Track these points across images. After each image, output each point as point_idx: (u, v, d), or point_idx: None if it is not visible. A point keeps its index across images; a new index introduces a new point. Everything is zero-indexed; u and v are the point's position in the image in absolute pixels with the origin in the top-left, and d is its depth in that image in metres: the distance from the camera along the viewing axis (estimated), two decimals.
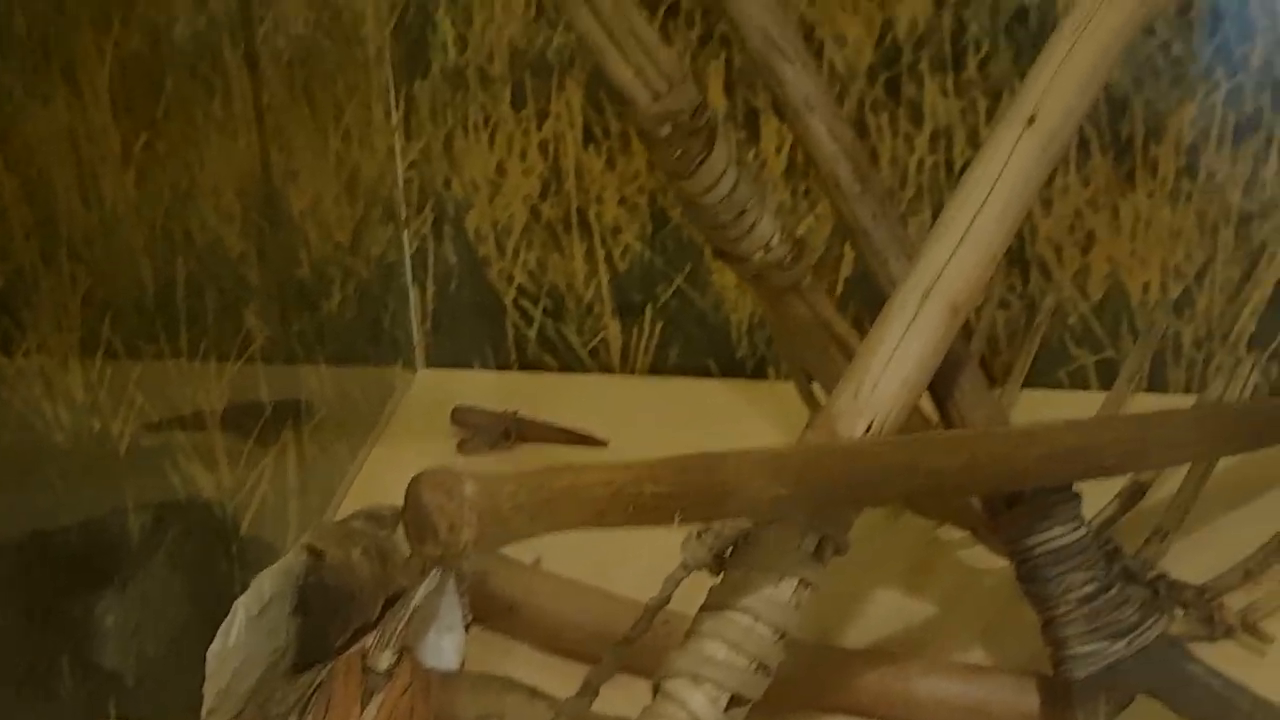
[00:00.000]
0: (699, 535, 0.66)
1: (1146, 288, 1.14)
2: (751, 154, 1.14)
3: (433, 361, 1.27)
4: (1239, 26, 1.05)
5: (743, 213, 0.75)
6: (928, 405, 0.81)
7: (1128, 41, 0.78)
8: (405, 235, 1.22)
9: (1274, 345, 1.14)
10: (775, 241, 0.77)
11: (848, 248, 1.13)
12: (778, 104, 0.84)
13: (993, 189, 0.74)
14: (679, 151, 0.71)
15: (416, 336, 1.26)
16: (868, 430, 0.69)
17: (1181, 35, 1.05)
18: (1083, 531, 0.77)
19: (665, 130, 0.70)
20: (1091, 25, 0.75)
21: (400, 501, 0.53)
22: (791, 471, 0.62)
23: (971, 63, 1.09)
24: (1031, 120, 0.75)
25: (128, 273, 0.80)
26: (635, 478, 0.56)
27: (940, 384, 0.79)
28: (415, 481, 0.52)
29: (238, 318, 0.94)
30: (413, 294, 1.24)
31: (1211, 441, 0.84)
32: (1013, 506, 0.78)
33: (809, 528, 0.67)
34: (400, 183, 1.20)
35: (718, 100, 1.13)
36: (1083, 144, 1.10)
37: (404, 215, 1.21)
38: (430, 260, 1.23)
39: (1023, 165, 0.75)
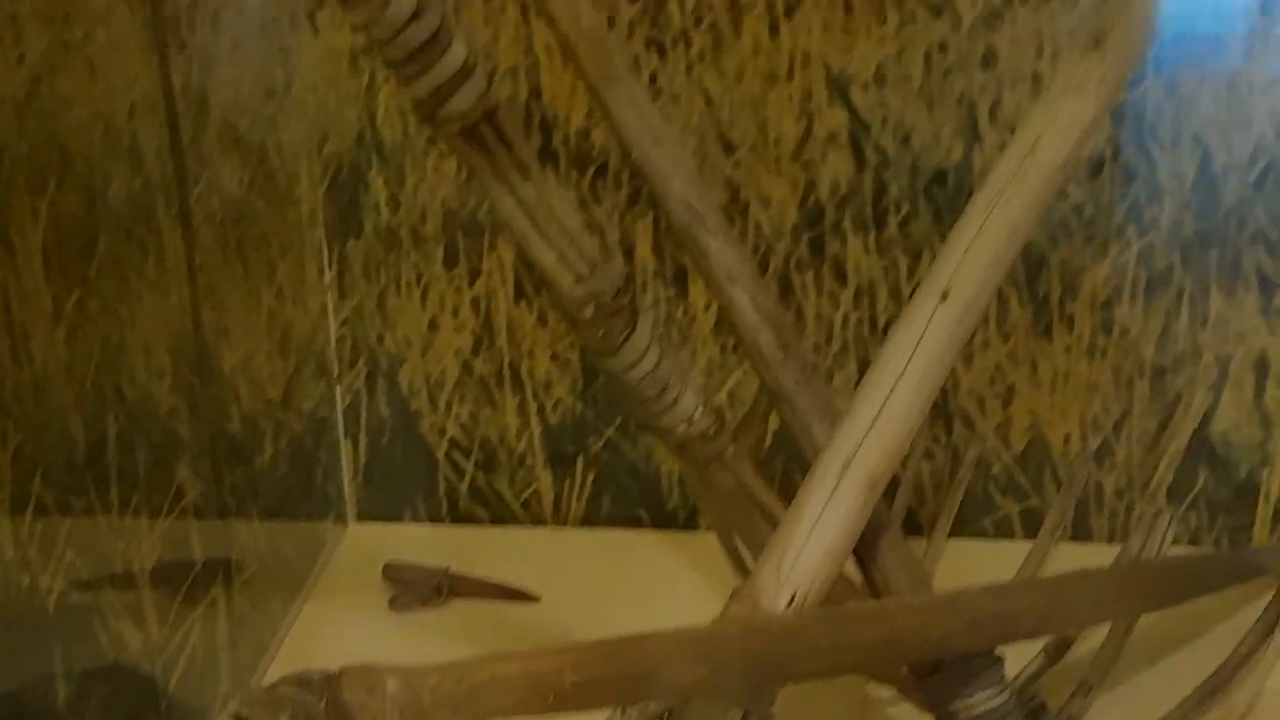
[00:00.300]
0: (623, 712, 0.67)
1: (1067, 439, 1.16)
2: (680, 310, 1.16)
3: (364, 515, 1.27)
4: (1148, 189, 1.08)
5: (666, 388, 0.77)
6: (851, 568, 0.82)
7: (1038, 216, 0.80)
8: (338, 390, 1.23)
9: (1190, 498, 1.16)
10: (698, 415, 0.78)
11: None
12: (701, 273, 0.86)
13: (909, 362, 0.76)
14: (602, 331, 0.72)
15: (348, 490, 1.26)
16: (790, 602, 0.70)
17: (1094, 197, 1.09)
18: (1005, 696, 0.78)
19: (589, 311, 0.71)
20: (1002, 202, 0.78)
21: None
22: (713, 653, 0.62)
23: (892, 222, 1.12)
24: (945, 295, 0.77)
25: (58, 429, 0.81)
26: (556, 667, 0.57)
27: (863, 549, 0.80)
28: (336, 680, 0.52)
29: (169, 473, 0.94)
30: (344, 448, 1.25)
31: (1130, 600, 0.86)
32: (936, 672, 0.79)
33: (733, 703, 0.68)
34: (333, 339, 1.21)
35: (646, 259, 1.15)
36: (1002, 300, 1.13)
37: (337, 370, 1.22)
38: (363, 414, 1.23)
39: (938, 338, 0.77)
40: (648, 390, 0.77)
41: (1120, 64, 0.82)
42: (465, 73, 0.62)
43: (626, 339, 0.74)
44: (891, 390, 0.76)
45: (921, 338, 0.77)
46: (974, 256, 0.78)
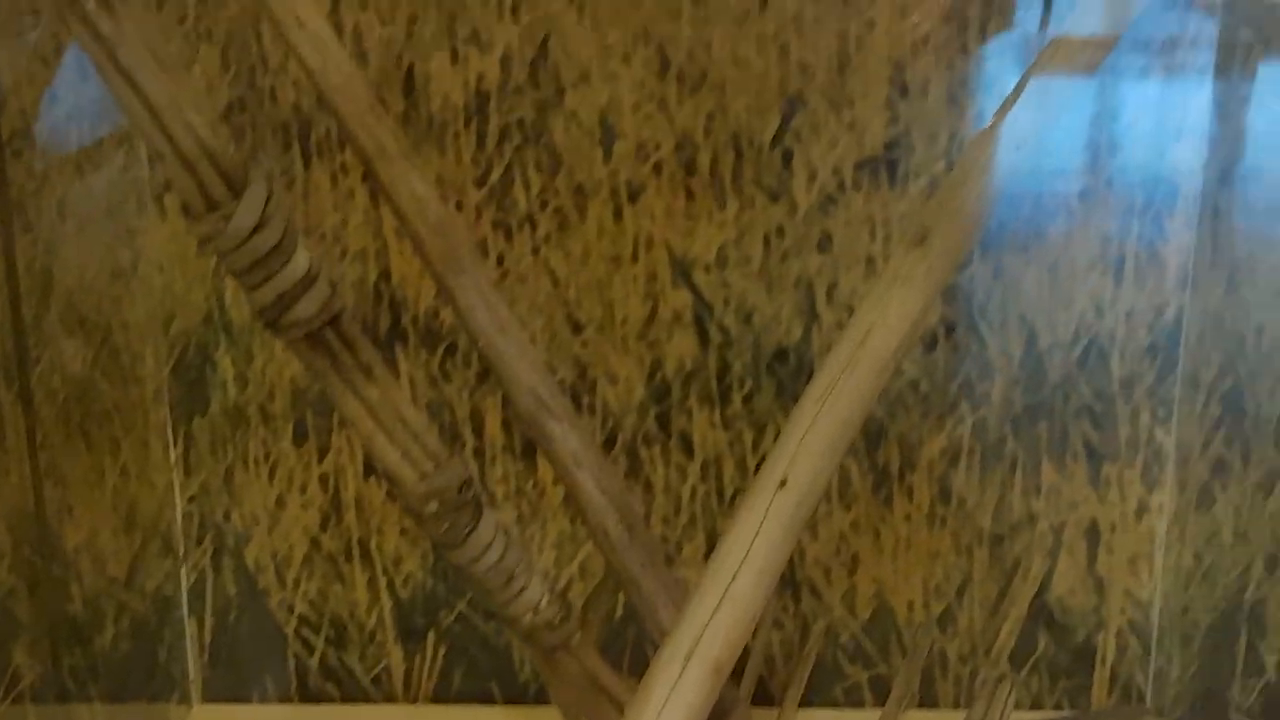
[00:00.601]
0: None
1: (911, 606, 1.19)
2: (530, 484, 1.17)
3: (210, 696, 1.24)
4: (979, 365, 1.13)
5: (511, 578, 0.77)
6: None
7: (871, 403, 0.83)
8: (183, 569, 1.21)
9: (1031, 662, 1.19)
10: (544, 604, 0.79)
11: None
12: (548, 458, 0.87)
13: (749, 550, 0.78)
14: (447, 525, 0.73)
15: (193, 671, 1.23)
16: None
17: (928, 373, 1.13)
18: None
19: (433, 506, 0.72)
20: (834, 393, 0.81)
21: None
22: None
23: (737, 398, 1.14)
24: (783, 483, 0.79)
25: None
26: None
27: None
28: None
29: (5, 655, 0.92)
30: (190, 627, 1.22)
31: None
32: None
33: None
34: (179, 517, 1.20)
35: (495, 434, 1.16)
36: (844, 471, 1.15)
37: (182, 549, 1.21)
38: (209, 592, 1.22)
39: (777, 525, 0.79)
40: (494, 581, 0.77)
41: (947, 258, 0.86)
42: (309, 281, 0.64)
43: (471, 532, 0.75)
44: (733, 578, 0.77)
45: (761, 525, 0.79)
46: (810, 445, 0.80)
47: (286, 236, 0.63)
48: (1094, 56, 0.98)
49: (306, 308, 0.64)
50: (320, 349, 0.66)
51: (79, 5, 0.55)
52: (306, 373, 1.05)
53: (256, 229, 0.61)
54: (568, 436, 0.86)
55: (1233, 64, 1.06)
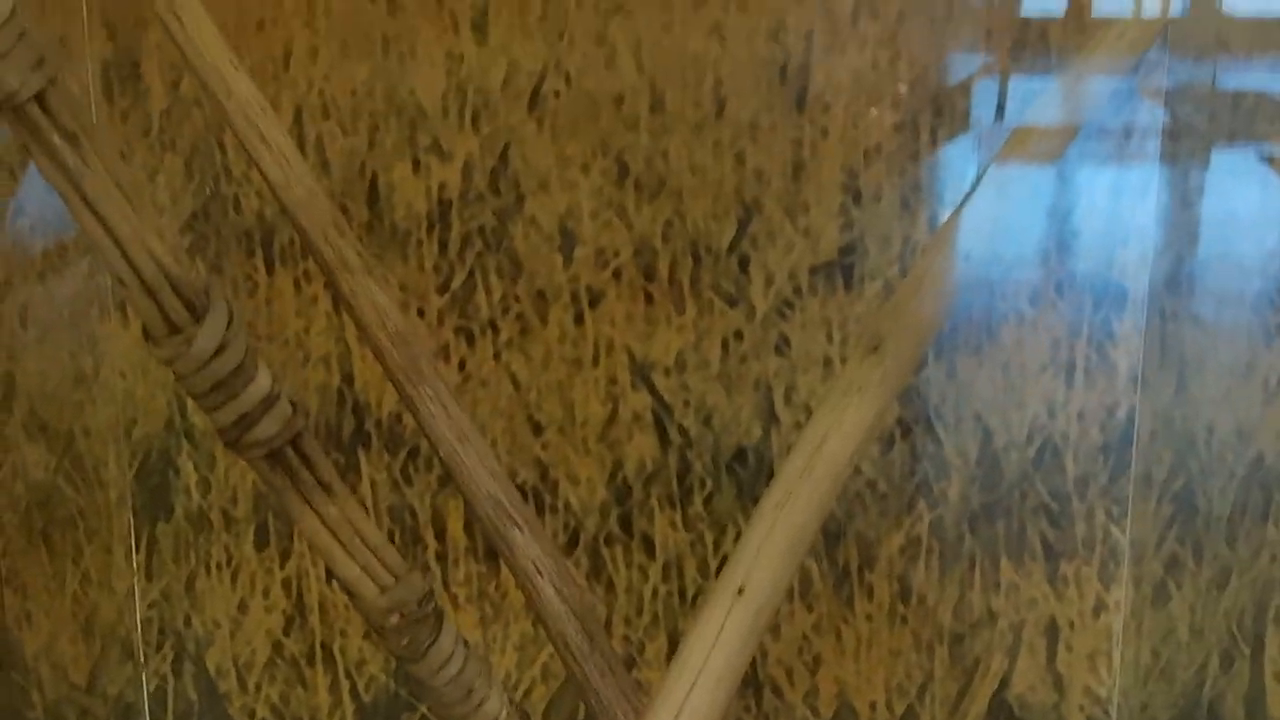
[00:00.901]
0: None
1: (874, 705, 1.19)
2: (493, 586, 1.17)
3: None
4: (936, 465, 1.14)
5: (471, 690, 0.78)
6: None
7: (827, 510, 0.84)
8: (144, 674, 1.20)
9: None
10: (504, 716, 0.79)
11: None
12: (508, 566, 0.88)
13: (708, 658, 0.78)
14: (407, 639, 0.74)
15: None
16: None
17: (886, 473, 1.14)
18: None
19: (393, 620, 0.73)
20: (790, 502, 0.82)
21: None
22: None
23: (698, 499, 1.15)
24: (741, 590, 0.80)
25: None
26: None
27: None
28: None
29: None
30: None
31: None
32: None
33: None
34: (139, 623, 1.19)
35: (458, 536, 1.17)
36: (804, 572, 1.16)
37: (143, 654, 1.20)
38: (170, 698, 1.21)
39: (735, 634, 0.79)
40: (454, 694, 0.77)
41: (900, 365, 0.87)
42: (270, 401, 0.64)
43: (431, 645, 0.75)
44: (692, 686, 0.78)
45: (719, 634, 0.79)
46: (767, 552, 0.81)
47: (248, 358, 0.64)
48: (1056, 145, 1.01)
49: (267, 428, 0.65)
50: (280, 467, 0.67)
51: (45, 139, 0.56)
52: (266, 490, 1.06)
53: (218, 352, 0.62)
54: (529, 544, 0.87)
55: (1179, 156, 1.08)
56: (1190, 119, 1.07)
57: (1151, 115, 1.08)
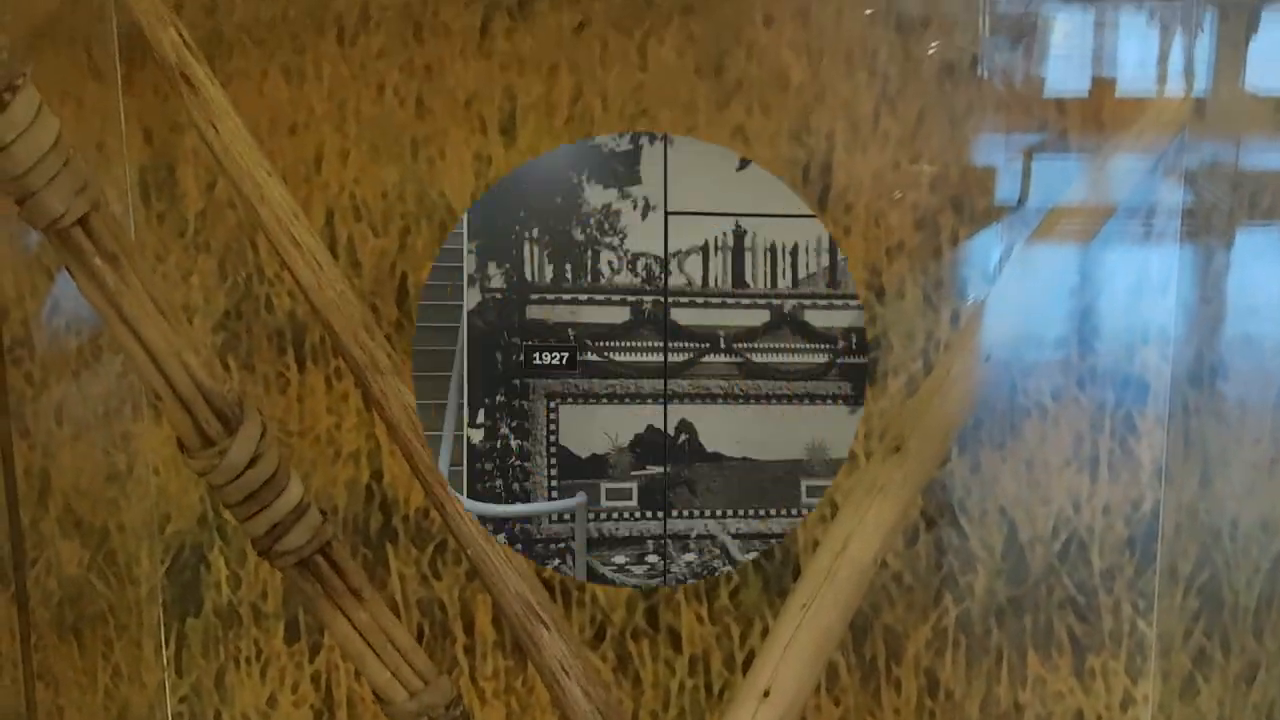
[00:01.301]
0: None
1: None
2: (520, 681, 1.18)
3: None
4: (962, 559, 1.14)
5: None
6: None
7: (852, 610, 0.85)
8: None
9: None
10: None
11: None
12: (535, 664, 0.88)
13: None
14: None
15: None
16: None
17: (911, 566, 1.15)
18: None
19: None
20: (815, 603, 0.82)
21: None
22: None
23: (724, 592, 1.16)
24: (767, 693, 0.81)
25: None
26: None
27: None
28: None
29: None
30: None
31: None
32: None
33: None
34: (170, 717, 1.20)
35: (486, 629, 1.17)
36: (831, 667, 1.16)
37: None
38: None
39: None
40: None
41: (923, 465, 0.88)
42: (300, 511, 0.66)
43: None
44: None
45: None
46: (792, 654, 0.82)
47: (280, 469, 0.65)
48: (1085, 229, 1.01)
49: (298, 537, 0.66)
50: (310, 574, 0.68)
51: (87, 261, 0.58)
52: (296, 597, 1.07)
53: (251, 463, 0.63)
54: (555, 643, 0.88)
55: (1201, 238, 1.08)
56: (1213, 199, 1.08)
57: (1173, 195, 1.09)
